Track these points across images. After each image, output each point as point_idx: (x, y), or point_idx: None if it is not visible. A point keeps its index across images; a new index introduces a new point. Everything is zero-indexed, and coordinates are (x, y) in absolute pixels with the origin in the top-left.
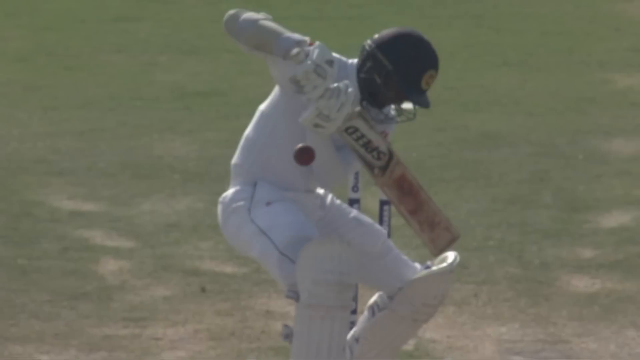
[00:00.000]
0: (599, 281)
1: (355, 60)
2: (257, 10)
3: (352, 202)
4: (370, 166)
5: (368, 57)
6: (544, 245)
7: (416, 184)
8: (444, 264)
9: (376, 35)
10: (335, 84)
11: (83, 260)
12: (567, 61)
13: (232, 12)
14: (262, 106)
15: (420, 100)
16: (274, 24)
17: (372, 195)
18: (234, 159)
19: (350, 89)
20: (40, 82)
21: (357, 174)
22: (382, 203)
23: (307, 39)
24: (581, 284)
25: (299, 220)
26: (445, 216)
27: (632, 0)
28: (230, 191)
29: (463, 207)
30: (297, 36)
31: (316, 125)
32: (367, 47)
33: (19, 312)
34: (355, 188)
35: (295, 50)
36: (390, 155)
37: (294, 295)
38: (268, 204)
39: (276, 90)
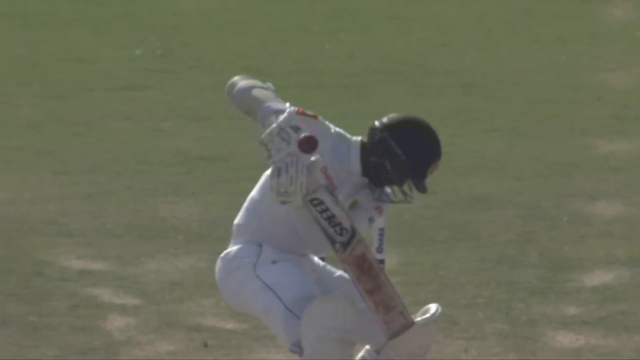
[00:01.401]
0: (583, 337)
1: (358, 138)
2: (263, 81)
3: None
4: (332, 240)
5: (380, 143)
6: (530, 303)
7: (376, 266)
8: (427, 315)
9: (386, 120)
10: (283, 161)
11: (91, 317)
12: (552, 128)
13: (234, 79)
14: (269, 171)
15: (420, 185)
16: (266, 92)
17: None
18: (238, 220)
19: (299, 162)
20: (51, 147)
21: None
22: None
23: (289, 108)
24: (566, 339)
25: (303, 279)
26: (401, 301)
27: (613, 71)
28: (233, 248)
29: (454, 267)
30: (278, 105)
31: (283, 202)
32: (378, 133)
33: None
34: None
35: (270, 117)
36: (353, 233)
37: (297, 350)
38: (274, 262)
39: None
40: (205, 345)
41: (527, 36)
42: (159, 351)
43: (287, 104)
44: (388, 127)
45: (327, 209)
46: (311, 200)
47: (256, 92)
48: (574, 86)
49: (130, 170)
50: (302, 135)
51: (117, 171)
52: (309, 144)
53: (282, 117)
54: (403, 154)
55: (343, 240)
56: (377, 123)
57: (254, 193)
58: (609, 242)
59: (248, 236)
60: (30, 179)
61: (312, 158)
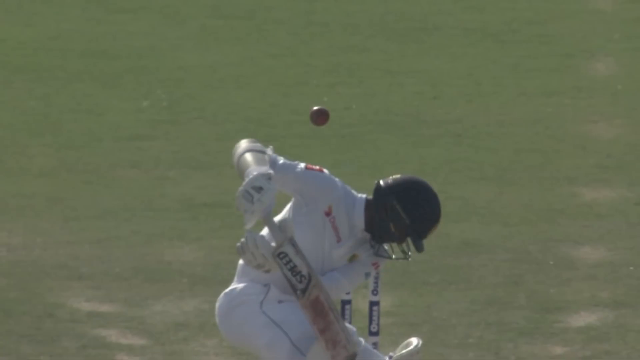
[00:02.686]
0: None
1: (364, 196)
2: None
3: (373, 305)
4: (294, 288)
5: (386, 206)
6: (519, 343)
7: (327, 306)
8: (410, 347)
9: (391, 182)
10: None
11: (100, 357)
12: (539, 176)
13: (240, 142)
14: (276, 218)
15: (419, 245)
16: (259, 156)
17: (363, 297)
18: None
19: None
20: (62, 194)
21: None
22: (372, 304)
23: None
24: None
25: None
26: (345, 336)
27: (597, 122)
28: (239, 285)
29: (445, 308)
30: (260, 169)
31: (265, 271)
32: (383, 194)
33: None
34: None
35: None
36: (309, 278)
37: None
38: (280, 302)
39: (289, 204)
40: None
41: (515, 89)
42: None
43: (296, 162)
44: (394, 191)
45: (290, 260)
46: (278, 255)
47: (248, 157)
48: (559, 136)
49: (137, 217)
50: (314, 108)
51: (125, 217)
52: (322, 115)
53: (247, 179)
54: (407, 218)
55: (302, 287)
56: (382, 183)
57: None
58: (594, 285)
59: (253, 276)
60: (42, 224)
61: (280, 219)
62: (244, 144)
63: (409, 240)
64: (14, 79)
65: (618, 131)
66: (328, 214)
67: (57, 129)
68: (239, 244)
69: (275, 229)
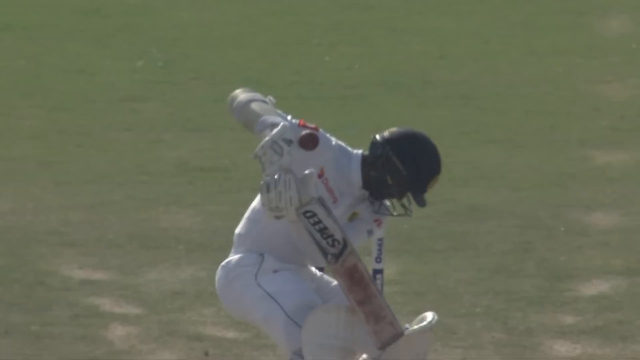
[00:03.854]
0: (580, 346)
1: (359, 151)
2: (265, 95)
3: (376, 273)
4: (324, 252)
5: (382, 158)
6: (528, 312)
7: (367, 277)
8: (424, 323)
9: (387, 134)
10: (271, 178)
11: (93, 327)
12: (549, 139)
13: (236, 91)
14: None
15: (420, 200)
16: (265, 106)
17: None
18: (239, 229)
19: (287, 177)
20: (53, 158)
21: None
22: (375, 272)
23: (285, 122)
24: (563, 349)
25: (304, 288)
26: (391, 312)
27: (610, 82)
28: (235, 257)
29: (452, 276)
30: (275, 119)
31: (277, 217)
32: (380, 147)
33: None
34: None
35: (265, 131)
36: (344, 244)
37: (298, 358)
38: (275, 271)
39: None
40: (206, 354)
41: (525, 48)
42: None
43: (289, 117)
44: (390, 142)
45: (319, 221)
46: (304, 213)
47: (255, 106)
48: (571, 98)
49: (131, 181)
50: (303, 132)
51: (119, 182)
52: (310, 141)
53: (275, 130)
54: (404, 169)
55: (335, 252)
56: (378, 137)
57: (255, 203)
58: (606, 252)
59: (249, 245)
60: (33, 189)
61: (306, 171)
62: (243, 93)
63: (410, 195)
64: (3, 38)
65: (632, 92)
66: (320, 176)
67: (48, 90)
68: (265, 181)
69: (301, 185)
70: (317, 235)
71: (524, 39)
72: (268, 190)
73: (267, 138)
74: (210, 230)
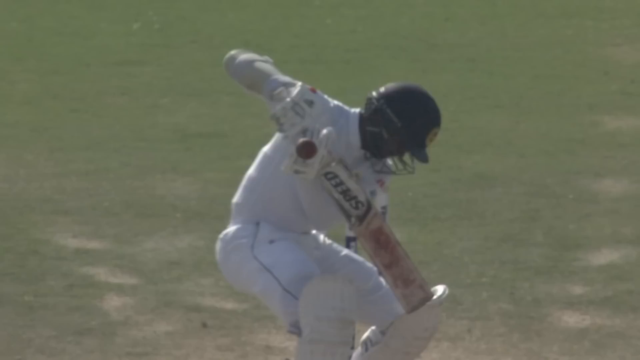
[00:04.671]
0: (589, 317)
1: (357, 110)
2: (260, 54)
3: (349, 240)
4: (347, 214)
5: (376, 112)
6: (535, 282)
7: (393, 239)
8: (434, 297)
9: (382, 89)
10: (308, 128)
11: (88, 297)
12: (558, 104)
13: (232, 52)
14: (266, 148)
15: (421, 155)
16: (269, 65)
17: None
18: (236, 198)
19: (324, 131)
20: (47, 124)
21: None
22: None
23: (296, 82)
24: (572, 319)
25: (301, 258)
26: (420, 274)
27: (620, 45)
28: (231, 229)
29: (457, 245)
30: (285, 78)
31: (296, 172)
32: (374, 101)
33: (25, 348)
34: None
35: (278, 90)
36: (369, 206)
37: (296, 330)
38: (271, 242)
39: (278, 133)
40: (204, 325)
41: (533, 10)
42: (156, 331)
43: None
44: (384, 96)
45: (341, 183)
46: (325, 174)
47: (260, 65)
48: (580, 61)
49: (127, 147)
50: (300, 140)
51: (114, 148)
52: (306, 150)
53: (295, 91)
54: (399, 121)
55: (359, 214)
56: (373, 93)
57: (251, 171)
58: (616, 220)
59: (246, 215)
60: (26, 156)
61: (324, 130)
62: (243, 53)
63: (410, 152)
64: None
65: None
66: None
67: (41, 54)
68: (309, 130)
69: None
70: (340, 197)
71: (532, 1)
72: (285, 114)
73: (287, 99)
74: (208, 198)
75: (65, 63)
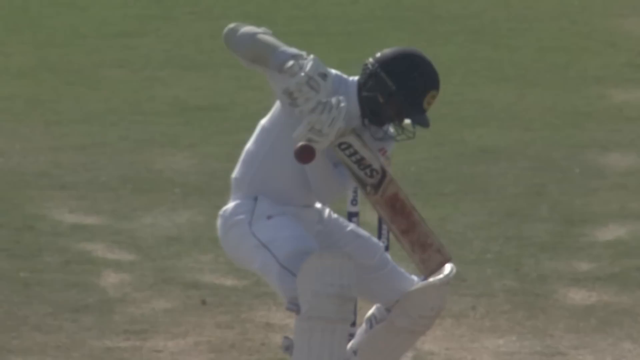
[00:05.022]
0: (596, 294)
1: (355, 78)
2: (258, 25)
3: (351, 216)
4: (362, 183)
5: (371, 76)
6: (541, 258)
7: (409, 204)
8: (441, 275)
9: (378, 54)
10: (327, 99)
11: (85, 273)
12: (564, 76)
13: (231, 25)
14: (263, 121)
15: (421, 119)
16: (272, 37)
17: (371, 209)
18: (235, 173)
19: (342, 104)
20: (42, 97)
21: (356, 188)
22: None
23: (303, 53)
24: (578, 296)
25: (299, 234)
26: (437, 238)
27: (627, 16)
28: (230, 205)
29: (461, 221)
30: (293, 50)
31: (309, 140)
32: (369, 66)
33: (21, 325)
34: (354, 202)
35: (289, 63)
36: (384, 173)
37: (294, 307)
38: (269, 217)
39: (277, 105)
40: (203, 302)
41: None
42: (155, 308)
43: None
44: (379, 60)
45: (355, 152)
46: (339, 145)
47: (263, 38)
48: (587, 33)
49: (125, 121)
50: (299, 144)
51: (112, 121)
52: (306, 154)
53: (309, 65)
54: (393, 84)
55: (374, 182)
56: (370, 59)
57: (250, 145)
58: (623, 195)
59: (245, 190)
60: (21, 129)
61: (334, 99)
62: (243, 26)
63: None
64: None
65: None
66: None
67: (36, 25)
68: (327, 101)
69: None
70: (354, 167)
71: None
72: (322, 112)
73: (301, 74)
74: (207, 173)
75: (61, 35)
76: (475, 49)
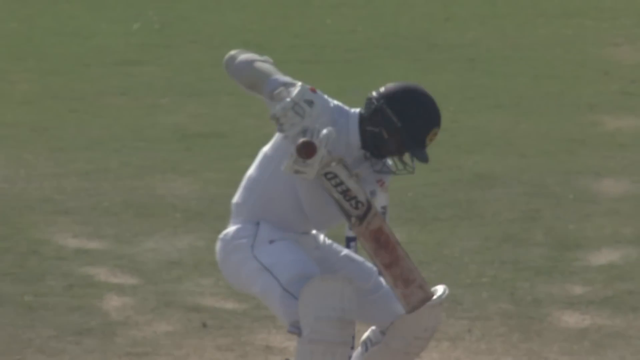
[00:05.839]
0: (589, 317)
1: (357, 110)
2: (260, 54)
3: (349, 240)
4: (347, 214)
5: (376, 112)
6: (535, 282)
7: (393, 239)
8: (434, 297)
9: (383, 89)
10: (309, 127)
11: (88, 297)
12: (558, 104)
13: (232, 52)
14: (266, 148)
15: (421, 155)
16: (269, 66)
17: None
18: (236, 198)
19: (324, 131)
20: (47, 124)
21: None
22: None
23: (295, 82)
24: (572, 319)
25: (301, 258)
26: (420, 274)
27: (620, 45)
28: (232, 229)
29: (457, 245)
30: (285, 78)
31: (296, 172)
32: (374, 101)
33: (25, 348)
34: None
35: (279, 90)
36: (369, 205)
37: (296, 330)
38: (271, 242)
39: (278, 133)
40: (204, 325)
41: (533, 10)
42: (156, 331)
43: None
44: (384, 96)
45: (341, 183)
46: (325, 174)
47: (260, 65)
48: (580, 61)
49: (127, 147)
50: (301, 140)
51: (114, 148)
52: (306, 149)
53: (295, 91)
54: (399, 120)
55: (359, 214)
56: (374, 93)
57: (251, 171)
58: (616, 220)
59: (246, 215)
60: (26, 155)
61: (324, 130)
62: (241, 53)
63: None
64: None
65: None
66: None
67: (41, 53)
68: (309, 130)
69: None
70: (339, 197)
71: (532, 1)
72: (285, 114)
73: (287, 99)
74: (208, 198)
75: (65, 63)
76: (471, 77)
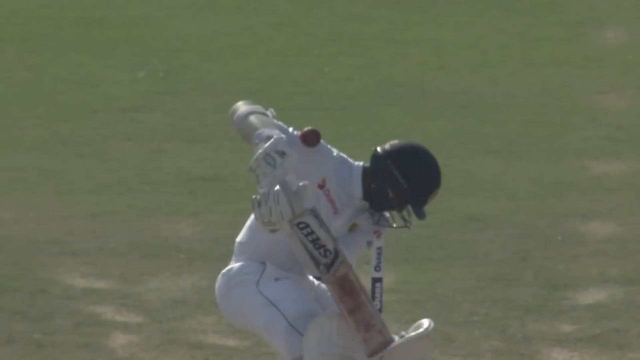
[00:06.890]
0: (577, 354)
1: (360, 163)
2: (266, 107)
3: (375, 281)
4: (316, 262)
5: (382, 171)
6: (525, 321)
7: (358, 286)
8: (420, 330)
9: (388, 147)
10: (267, 190)
11: (95, 335)
12: (547, 149)
13: (237, 104)
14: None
15: (420, 212)
16: (264, 118)
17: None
18: (240, 237)
19: (276, 191)
20: (55, 168)
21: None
22: (374, 280)
23: (277, 136)
24: (561, 357)
25: (305, 296)
26: (381, 320)
27: (607, 93)
28: (235, 265)
29: (450, 285)
30: (271, 132)
31: (272, 231)
32: (380, 160)
33: None
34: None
35: (259, 143)
36: (336, 254)
37: None
38: (277, 279)
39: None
40: None
41: (522, 59)
42: None
43: (290, 129)
44: (391, 156)
45: (312, 232)
46: (297, 224)
47: (253, 118)
48: (568, 108)
49: (133, 191)
50: (305, 129)
51: (120, 191)
52: (312, 137)
53: (268, 143)
54: (405, 183)
55: (326, 262)
56: (379, 149)
57: None
58: (603, 261)
59: (250, 254)
60: (35, 199)
61: (300, 183)
62: (244, 105)
63: (409, 207)
64: (5, 49)
65: (629, 102)
66: (322, 186)
67: (49, 100)
68: (257, 196)
69: (294, 197)
70: (310, 246)
71: (521, 50)
72: (259, 206)
73: (260, 151)
74: (211, 240)
75: (73, 109)
76: (463, 123)
